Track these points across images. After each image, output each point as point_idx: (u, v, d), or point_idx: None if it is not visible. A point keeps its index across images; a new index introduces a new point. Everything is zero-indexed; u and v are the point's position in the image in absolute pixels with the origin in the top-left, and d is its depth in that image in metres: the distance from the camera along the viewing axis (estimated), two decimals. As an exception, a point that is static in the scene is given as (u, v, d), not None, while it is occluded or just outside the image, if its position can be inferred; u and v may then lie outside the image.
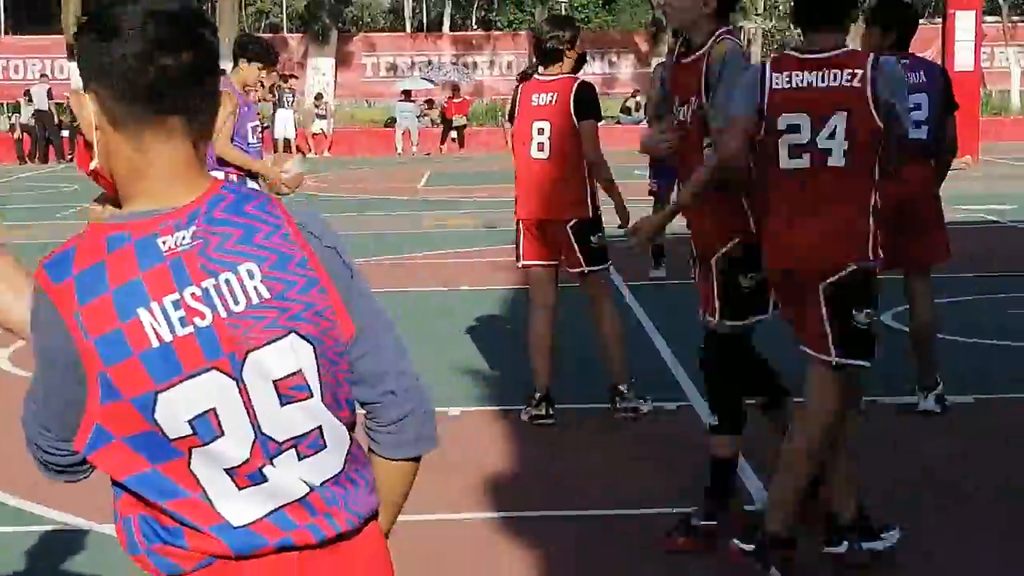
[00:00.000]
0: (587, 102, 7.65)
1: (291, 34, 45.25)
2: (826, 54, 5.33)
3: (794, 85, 5.30)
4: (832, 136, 5.25)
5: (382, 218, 19.29)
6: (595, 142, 7.64)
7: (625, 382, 7.82)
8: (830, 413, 5.22)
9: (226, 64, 26.64)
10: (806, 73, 5.30)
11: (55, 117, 34.76)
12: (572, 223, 7.64)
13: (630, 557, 5.71)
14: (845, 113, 5.21)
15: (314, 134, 35.33)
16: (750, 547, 5.36)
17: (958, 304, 10.62)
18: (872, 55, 5.40)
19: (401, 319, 11.43)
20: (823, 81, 5.28)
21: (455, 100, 37.62)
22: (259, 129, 10.44)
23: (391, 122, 37.44)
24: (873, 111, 5.19)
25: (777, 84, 5.32)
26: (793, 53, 5.56)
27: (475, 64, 45.14)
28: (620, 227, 7.31)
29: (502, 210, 19.59)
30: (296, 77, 35.83)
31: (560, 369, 8.04)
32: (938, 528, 5.91)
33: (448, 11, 60.08)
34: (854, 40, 6.73)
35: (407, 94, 37.67)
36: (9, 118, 36.73)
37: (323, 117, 35.68)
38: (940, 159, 7.76)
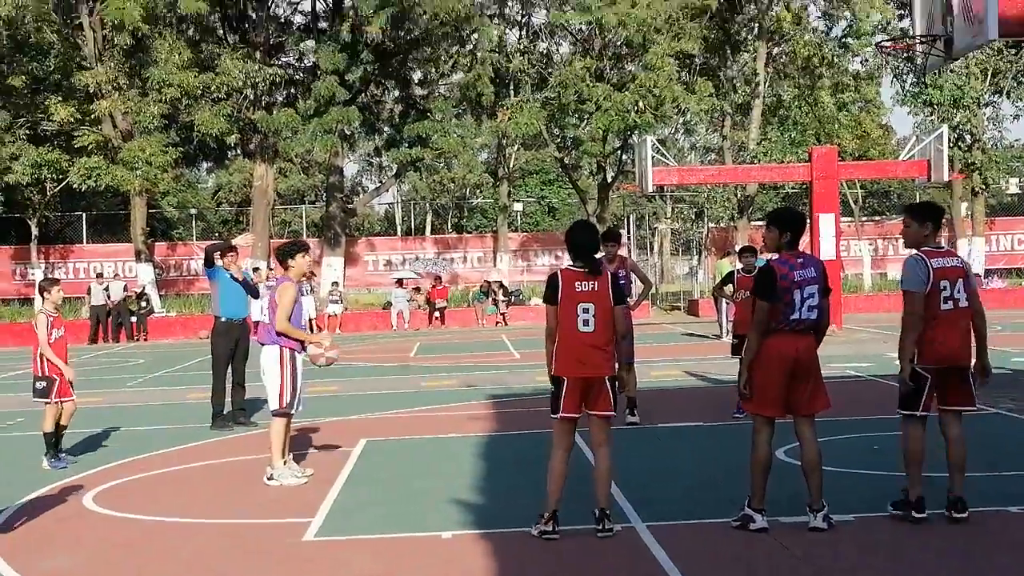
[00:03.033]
0: (622, 292, 7.94)
1: (310, 238, 45.47)
2: (942, 249, 7.87)
3: (941, 266, 7.63)
4: (960, 291, 7.66)
5: (383, 380, 19.23)
6: (628, 320, 7.96)
7: (610, 508, 7.81)
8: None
9: (259, 263, 26.73)
10: (942, 259, 7.70)
11: (127, 307, 34.61)
12: (609, 377, 7.77)
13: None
14: (961, 280, 7.68)
15: (330, 316, 35.35)
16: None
17: (834, 441, 10.63)
18: (959, 255, 8.27)
19: (400, 461, 11.40)
20: (949, 263, 7.70)
21: (437, 287, 37.84)
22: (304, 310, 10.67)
23: (388, 305, 37.53)
24: (969, 279, 7.75)
25: (935, 266, 7.61)
26: (930, 249, 7.74)
27: (451, 259, 45.53)
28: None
29: (478, 373, 19.66)
30: (315, 274, 35.85)
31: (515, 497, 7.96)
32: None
33: (429, 218, 60.73)
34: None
35: (400, 282, 37.87)
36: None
37: (336, 302, 35.74)
38: (820, 330, 7.87)
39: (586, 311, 7.73)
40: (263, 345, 10.25)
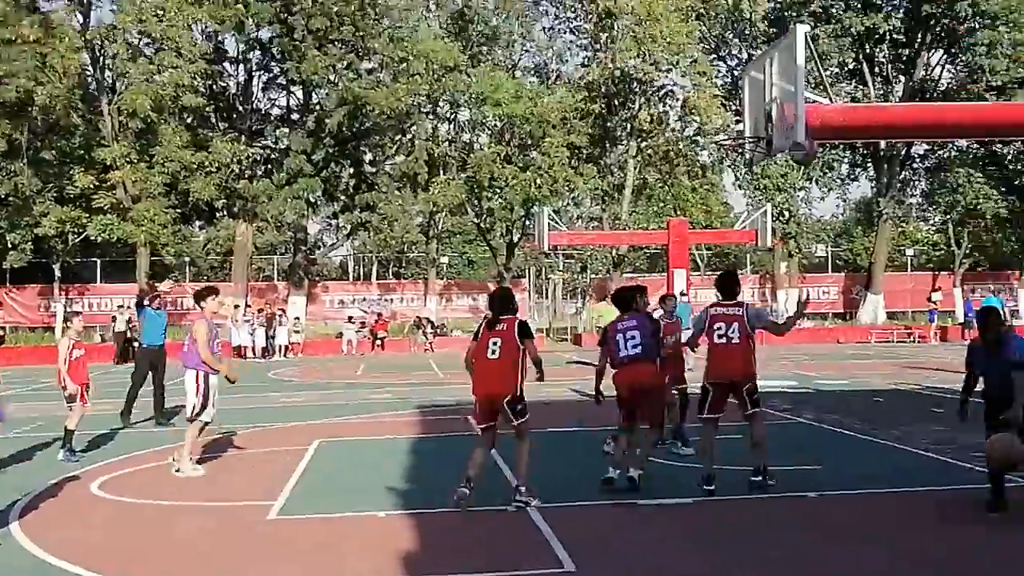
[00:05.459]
0: (527, 331, 8.02)
1: (279, 282, 45.00)
2: (730, 303, 8.33)
3: (718, 313, 8.23)
4: (733, 331, 8.10)
5: (335, 393, 19.04)
6: (535, 350, 8.00)
7: (525, 485, 7.94)
8: (764, 427, 8.33)
9: (239, 301, 26.07)
10: (723, 308, 8.27)
11: (131, 334, 33.92)
12: (507, 398, 7.89)
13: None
14: (736, 322, 8.10)
15: (293, 343, 34.93)
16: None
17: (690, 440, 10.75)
18: (745, 304, 8.36)
19: (346, 457, 11.26)
20: (728, 311, 8.21)
21: (379, 321, 37.61)
22: (218, 340, 10.14)
23: (339, 335, 37.19)
24: (745, 323, 8.12)
25: (712, 312, 8.27)
26: (718, 303, 8.42)
27: (391, 299, 45.26)
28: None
29: (410, 388, 19.54)
30: (284, 311, 35.93)
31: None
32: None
33: (375, 267, 60.35)
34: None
35: (350, 318, 37.63)
36: (104, 332, 35.49)
37: (298, 332, 35.34)
38: (663, 357, 8.74)
39: (495, 344, 7.88)
40: (186, 368, 9.93)
